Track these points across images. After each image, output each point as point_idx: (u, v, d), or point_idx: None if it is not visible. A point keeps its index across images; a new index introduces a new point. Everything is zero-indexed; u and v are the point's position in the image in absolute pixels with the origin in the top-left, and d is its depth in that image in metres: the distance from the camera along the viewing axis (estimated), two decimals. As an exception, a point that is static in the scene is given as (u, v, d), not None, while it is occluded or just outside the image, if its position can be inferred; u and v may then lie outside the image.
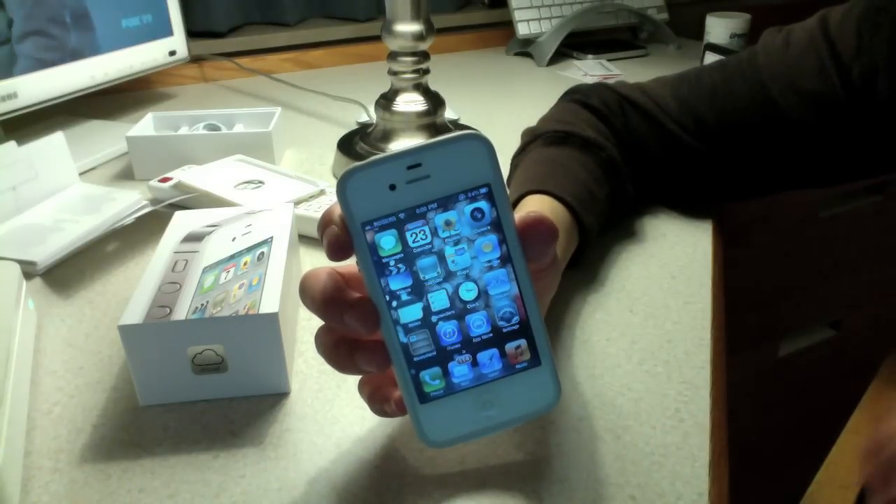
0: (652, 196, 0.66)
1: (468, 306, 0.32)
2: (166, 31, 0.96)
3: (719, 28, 1.20)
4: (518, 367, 0.33)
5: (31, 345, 0.48)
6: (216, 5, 1.17)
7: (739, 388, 1.15)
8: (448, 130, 0.77)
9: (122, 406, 0.44)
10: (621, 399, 0.43)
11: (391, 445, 0.40)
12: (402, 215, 0.31)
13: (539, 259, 0.34)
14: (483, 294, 0.32)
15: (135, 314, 0.41)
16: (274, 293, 0.43)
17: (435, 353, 0.32)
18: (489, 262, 0.32)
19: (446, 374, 0.33)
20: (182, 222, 0.52)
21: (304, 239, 0.62)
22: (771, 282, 1.17)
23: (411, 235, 0.31)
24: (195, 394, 0.43)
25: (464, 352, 0.33)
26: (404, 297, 0.32)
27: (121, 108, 1.03)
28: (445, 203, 0.31)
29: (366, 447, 0.40)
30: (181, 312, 0.41)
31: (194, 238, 0.50)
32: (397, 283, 0.32)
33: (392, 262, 0.32)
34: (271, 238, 0.49)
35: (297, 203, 0.63)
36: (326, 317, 0.34)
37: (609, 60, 1.25)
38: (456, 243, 0.32)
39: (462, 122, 0.90)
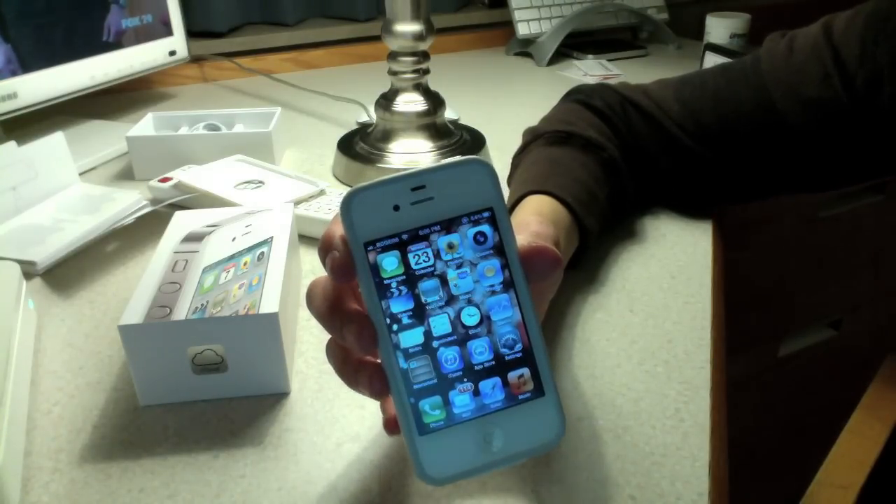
0: (653, 198, 0.66)
1: (470, 332, 0.31)
2: (166, 31, 0.96)
3: (719, 28, 1.20)
4: (521, 397, 0.32)
5: (31, 345, 0.48)
6: (216, 5, 1.17)
7: (739, 388, 1.15)
8: (448, 130, 0.77)
9: (122, 406, 0.44)
10: (621, 399, 0.43)
11: (391, 445, 0.40)
12: (405, 236, 0.31)
13: (541, 283, 0.33)
14: (485, 319, 0.32)
15: (135, 314, 0.41)
16: (274, 293, 0.43)
17: (436, 380, 0.31)
18: (491, 286, 0.32)
19: (447, 403, 0.31)
20: (182, 222, 0.52)
21: (304, 239, 0.62)
22: (771, 282, 1.17)
23: (414, 257, 0.31)
24: (195, 394, 0.43)
25: (465, 380, 0.32)
26: (405, 320, 0.31)
27: (121, 108, 1.03)
28: (448, 225, 0.31)
29: (366, 447, 0.40)
30: (181, 312, 0.41)
31: (194, 238, 0.50)
32: (399, 306, 0.31)
33: (394, 284, 0.31)
34: (271, 238, 0.49)
35: (297, 203, 0.63)
36: (328, 328, 0.33)
37: (609, 60, 1.25)
38: (458, 266, 0.31)
39: (462, 121, 0.90)
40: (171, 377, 0.43)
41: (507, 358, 0.32)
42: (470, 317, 0.31)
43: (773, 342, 1.22)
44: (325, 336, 0.49)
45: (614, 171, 0.59)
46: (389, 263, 0.31)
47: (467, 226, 0.31)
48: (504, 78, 1.17)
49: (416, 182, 0.31)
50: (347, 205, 0.30)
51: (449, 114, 0.85)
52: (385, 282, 0.31)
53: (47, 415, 0.43)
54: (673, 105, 0.62)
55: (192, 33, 1.07)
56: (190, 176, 0.68)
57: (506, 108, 1.01)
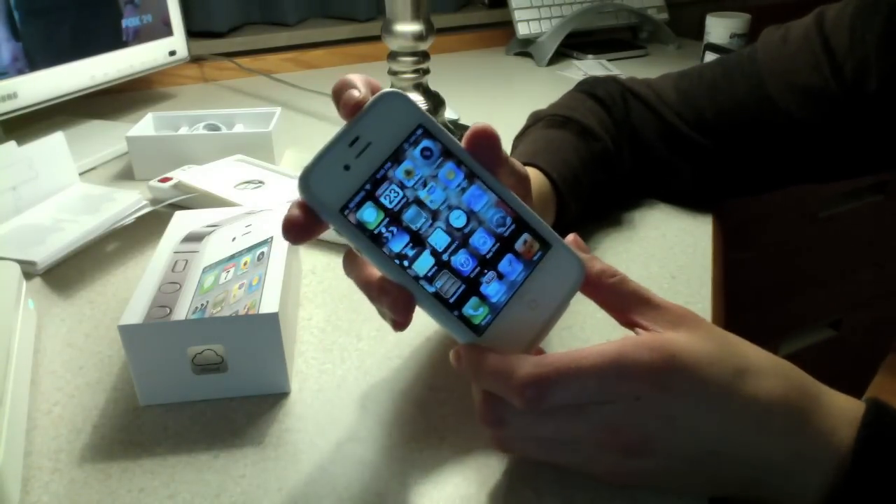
0: (651, 189, 0.67)
1: (465, 230, 0.34)
2: (166, 31, 0.96)
3: (719, 28, 1.20)
4: (535, 258, 0.35)
5: (31, 345, 0.48)
6: (216, 5, 1.17)
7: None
8: (448, 130, 0.77)
9: (122, 406, 0.44)
10: (621, 399, 0.43)
11: (391, 445, 0.40)
12: (367, 186, 0.33)
13: (497, 164, 0.35)
14: (471, 214, 0.34)
15: (135, 314, 0.41)
16: (274, 293, 0.43)
17: (464, 286, 0.34)
18: (459, 185, 0.34)
19: (483, 299, 0.34)
20: (182, 222, 0.52)
21: (304, 239, 0.62)
22: (771, 282, 1.17)
23: (385, 199, 0.33)
24: (195, 394, 0.43)
25: (486, 271, 0.34)
26: (410, 252, 0.33)
27: (121, 108, 1.03)
28: (396, 157, 0.33)
29: (366, 447, 0.40)
30: (181, 312, 0.41)
31: (194, 238, 0.50)
32: (398, 245, 0.33)
33: (384, 230, 0.33)
34: (271, 238, 0.49)
35: (297, 203, 0.63)
36: (368, 298, 0.36)
37: (609, 60, 1.25)
38: (424, 185, 0.34)
39: (462, 121, 0.89)
40: (170, 377, 0.43)
41: (505, 234, 0.35)
42: (458, 219, 0.34)
43: (774, 342, 1.22)
44: (325, 337, 0.49)
45: (605, 162, 0.60)
46: (369, 215, 0.33)
47: (411, 148, 0.34)
48: (504, 78, 1.17)
49: (350, 136, 0.33)
50: (307, 188, 0.32)
51: (449, 114, 0.85)
52: (375, 232, 0.33)
53: (47, 415, 0.43)
54: (672, 94, 0.63)
55: (192, 33, 1.07)
56: (190, 176, 0.68)
57: (506, 108, 1.01)
